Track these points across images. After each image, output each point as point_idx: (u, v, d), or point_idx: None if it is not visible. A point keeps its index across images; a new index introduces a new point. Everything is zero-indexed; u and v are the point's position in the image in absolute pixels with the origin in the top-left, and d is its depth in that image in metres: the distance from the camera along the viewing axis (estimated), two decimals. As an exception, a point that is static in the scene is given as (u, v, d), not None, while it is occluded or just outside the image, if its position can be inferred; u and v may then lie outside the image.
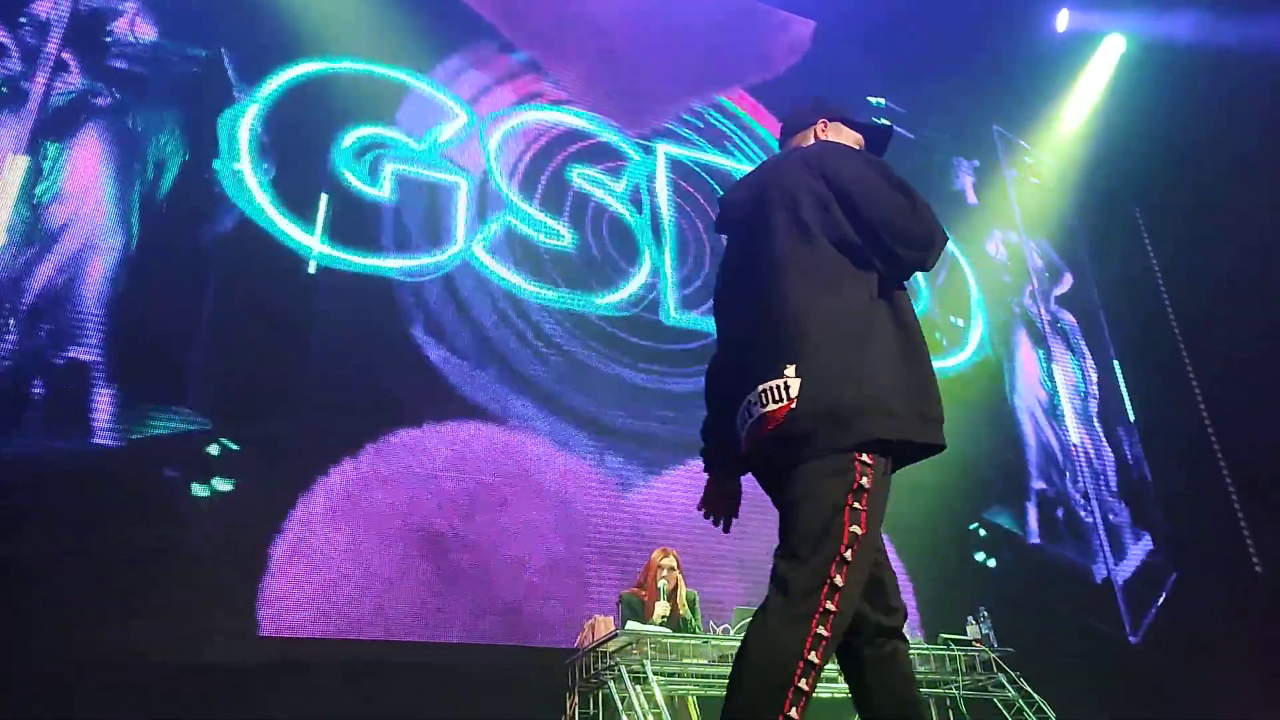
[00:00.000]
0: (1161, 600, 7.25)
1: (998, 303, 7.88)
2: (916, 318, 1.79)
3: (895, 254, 1.74)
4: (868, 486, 1.60)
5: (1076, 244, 8.76)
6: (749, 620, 4.05)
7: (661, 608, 4.34)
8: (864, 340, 1.67)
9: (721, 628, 4.27)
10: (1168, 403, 8.16)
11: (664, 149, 6.97)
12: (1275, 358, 7.26)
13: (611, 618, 4.37)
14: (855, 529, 1.58)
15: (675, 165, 6.97)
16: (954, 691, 4.54)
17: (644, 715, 3.61)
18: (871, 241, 1.74)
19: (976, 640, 4.60)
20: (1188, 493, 7.83)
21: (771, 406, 1.64)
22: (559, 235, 6.29)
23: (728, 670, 4.23)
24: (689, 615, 4.46)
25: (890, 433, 1.62)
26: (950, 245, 7.89)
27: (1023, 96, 8.84)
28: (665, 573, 4.47)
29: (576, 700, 4.18)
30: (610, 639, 4.01)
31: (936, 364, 1.98)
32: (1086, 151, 8.89)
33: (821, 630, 1.54)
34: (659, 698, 3.70)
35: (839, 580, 1.56)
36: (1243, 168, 7.54)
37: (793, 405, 1.61)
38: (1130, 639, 6.97)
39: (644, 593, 4.50)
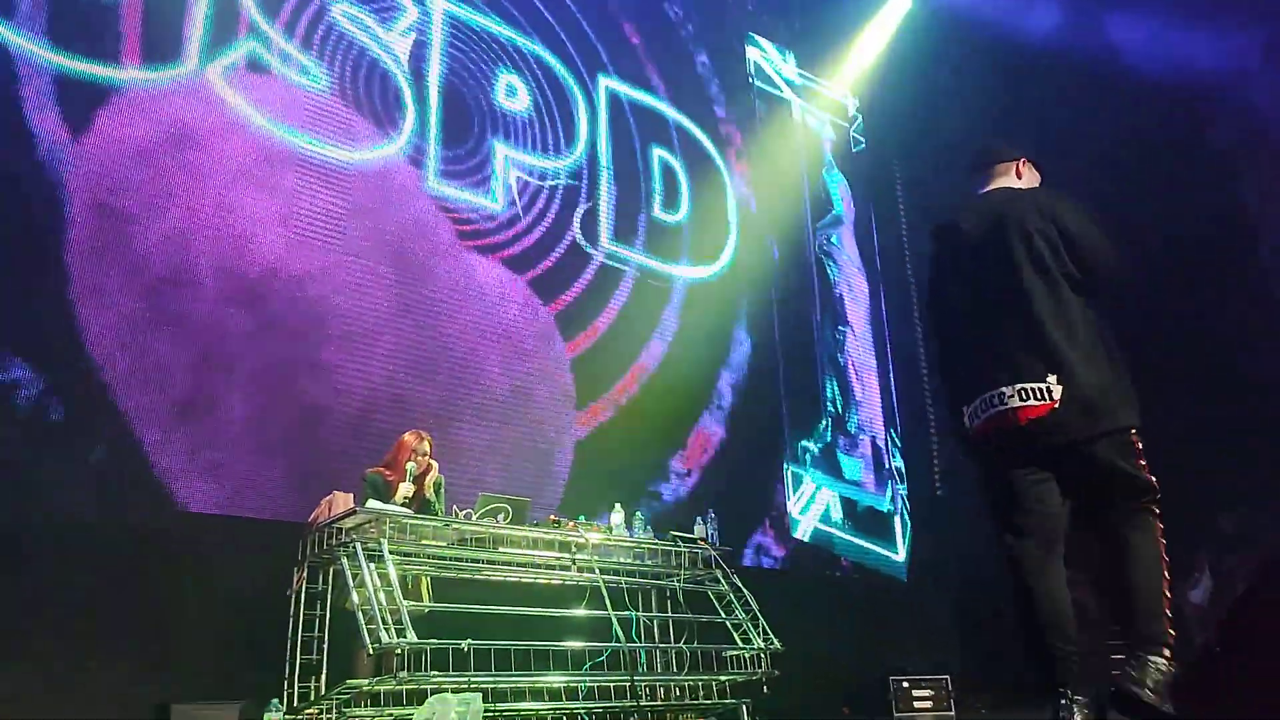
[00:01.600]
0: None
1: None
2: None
3: (1103, 285, 2.45)
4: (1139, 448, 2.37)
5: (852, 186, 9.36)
6: (493, 505, 4.04)
7: (405, 489, 4.30)
8: (1094, 352, 2.34)
9: (464, 512, 4.30)
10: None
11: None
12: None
13: (352, 495, 4.27)
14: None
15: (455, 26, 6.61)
16: (675, 583, 4.91)
17: (374, 592, 3.59)
18: (1089, 279, 2.43)
19: (701, 539, 4.97)
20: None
21: (1034, 402, 2.30)
22: (315, 76, 5.73)
23: (466, 553, 4.31)
24: (433, 498, 4.46)
25: (1129, 420, 2.35)
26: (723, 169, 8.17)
27: (821, 36, 9.25)
28: (417, 456, 4.43)
29: (305, 575, 4.08)
30: (348, 515, 3.92)
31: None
32: (861, 101, 9.51)
33: None
34: (393, 576, 3.69)
35: None
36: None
37: (1055, 405, 2.28)
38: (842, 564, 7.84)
39: (391, 474, 4.43)
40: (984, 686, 7.27)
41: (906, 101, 9.15)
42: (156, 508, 4.49)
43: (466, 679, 3.71)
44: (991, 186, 2.72)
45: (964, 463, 8.73)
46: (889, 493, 8.50)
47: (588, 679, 4.25)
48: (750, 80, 8.73)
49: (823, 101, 9.36)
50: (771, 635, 4.64)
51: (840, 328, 8.72)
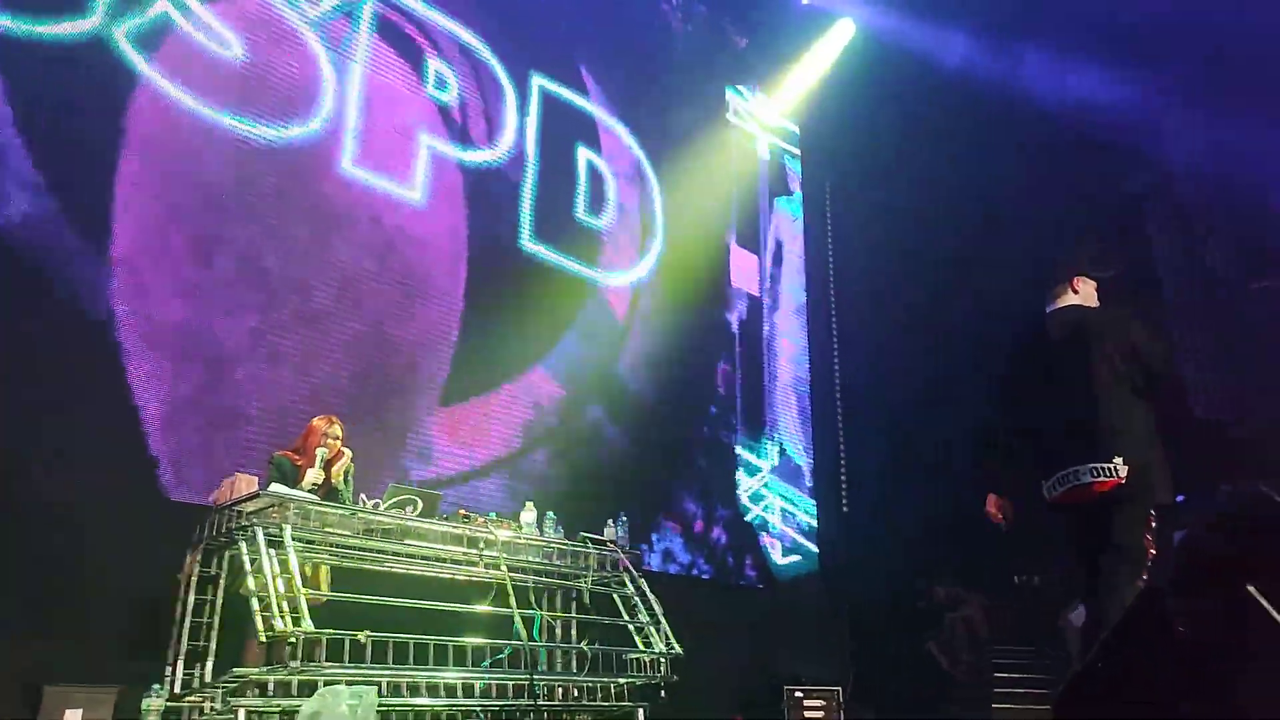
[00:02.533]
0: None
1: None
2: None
3: (1161, 389, 3.22)
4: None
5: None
6: (402, 496, 3.97)
7: (314, 474, 4.19)
8: (1150, 443, 3.11)
9: (372, 502, 4.22)
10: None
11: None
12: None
13: (256, 479, 4.14)
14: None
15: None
16: (582, 584, 4.90)
17: (272, 579, 3.48)
18: (1154, 386, 3.18)
19: (611, 541, 4.98)
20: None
21: (1103, 478, 3.01)
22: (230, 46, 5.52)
23: (371, 544, 4.22)
24: (341, 486, 4.36)
25: (1165, 498, 3.02)
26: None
27: (763, 59, 9.42)
28: (328, 441, 4.32)
29: (199, 557, 3.94)
30: (250, 498, 3.80)
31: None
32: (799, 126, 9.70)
33: None
34: (293, 563, 3.58)
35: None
36: (930, 185, 8.54)
37: (1122, 480, 3.02)
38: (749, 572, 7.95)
39: (300, 458, 4.31)
40: (872, 698, 7.48)
41: (846, 126, 9.36)
42: (42, 484, 4.26)
43: (362, 671, 3.63)
44: (1060, 305, 3.48)
45: (868, 481, 8.97)
46: (800, 505, 8.67)
47: (486, 676, 4.21)
48: (690, 95, 8.81)
49: (763, 121, 9.50)
50: (673, 639, 4.68)
51: (761, 341, 8.87)
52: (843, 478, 9.17)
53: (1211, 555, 1.50)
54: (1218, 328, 7.73)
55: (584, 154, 7.57)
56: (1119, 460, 3.01)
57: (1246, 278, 8.19)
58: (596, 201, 7.53)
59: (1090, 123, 7.65)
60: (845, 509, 9.09)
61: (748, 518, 8.11)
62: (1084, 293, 3.48)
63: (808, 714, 6.56)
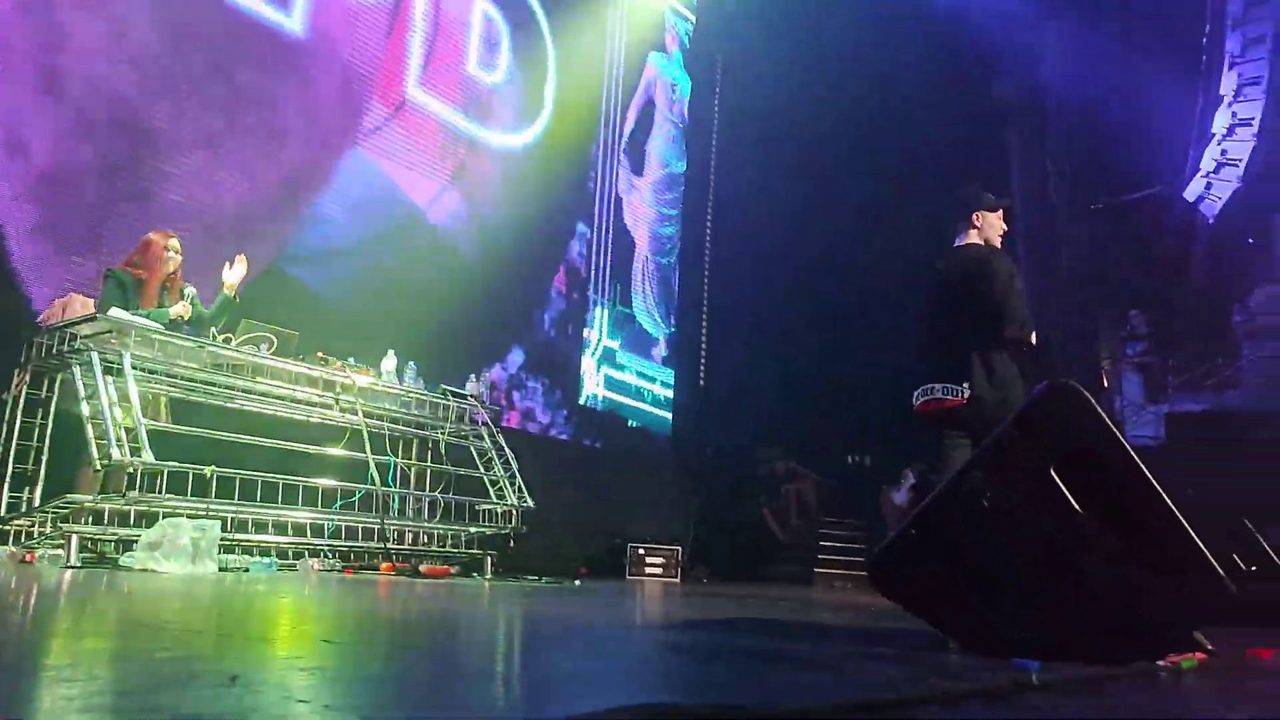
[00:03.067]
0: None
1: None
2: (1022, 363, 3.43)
3: (1009, 334, 3.38)
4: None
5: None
6: (256, 334, 3.85)
7: (181, 308, 3.93)
8: (1005, 385, 3.33)
9: (223, 337, 4.04)
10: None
11: None
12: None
13: (92, 301, 3.86)
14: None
15: None
16: (439, 435, 4.93)
17: (109, 406, 3.33)
18: (1004, 324, 3.39)
19: (472, 396, 5.00)
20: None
21: (951, 398, 3.34)
22: None
23: (220, 379, 4.07)
24: (189, 312, 4.06)
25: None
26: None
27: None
28: (169, 256, 3.97)
29: (27, 378, 3.70)
30: (86, 321, 3.57)
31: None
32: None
33: None
34: (133, 392, 3.43)
35: None
36: (819, 81, 8.51)
37: (964, 402, 3.31)
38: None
39: (141, 271, 3.96)
40: (709, 557, 7.99)
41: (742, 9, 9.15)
42: None
43: (205, 505, 3.57)
44: (963, 242, 3.65)
45: (726, 357, 9.27)
46: (657, 374, 8.91)
47: (336, 518, 4.23)
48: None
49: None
50: (526, 493, 4.81)
51: (621, 204, 8.84)
52: (703, 352, 9.46)
53: (1022, 444, 1.66)
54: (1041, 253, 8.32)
55: (480, 4, 7.13)
56: (967, 385, 3.36)
57: (1089, 199, 8.77)
58: (488, 56, 7.16)
59: (966, 28, 7.82)
60: (702, 383, 9.42)
61: (605, 384, 8.28)
62: (985, 226, 3.67)
63: (648, 569, 6.96)
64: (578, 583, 4.76)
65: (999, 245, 3.64)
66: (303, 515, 4.03)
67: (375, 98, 6.26)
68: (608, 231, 8.47)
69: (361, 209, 6.13)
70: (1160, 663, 1.34)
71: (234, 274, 4.12)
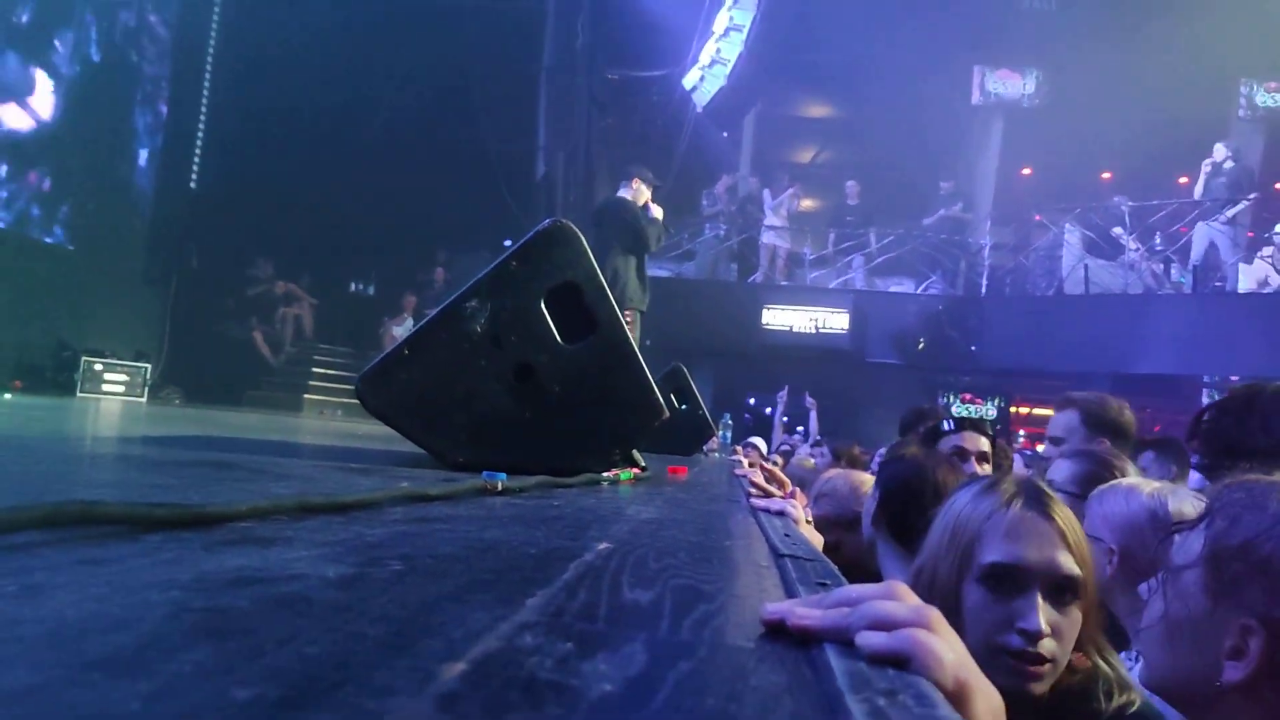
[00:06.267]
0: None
1: None
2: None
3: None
4: None
5: None
6: None
7: None
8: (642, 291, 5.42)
9: None
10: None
11: None
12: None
13: None
14: None
15: None
16: None
17: None
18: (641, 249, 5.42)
19: None
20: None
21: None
22: None
23: None
24: None
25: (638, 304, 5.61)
26: None
27: None
28: None
29: None
30: None
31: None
32: None
33: None
34: None
35: None
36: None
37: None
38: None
39: None
40: (184, 378, 7.30)
41: None
42: None
43: None
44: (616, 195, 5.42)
45: (225, 155, 8.30)
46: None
47: None
48: None
49: None
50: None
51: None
52: (198, 147, 8.32)
53: (519, 273, 1.75)
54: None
55: None
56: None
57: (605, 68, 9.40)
58: None
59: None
60: (194, 185, 8.34)
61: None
62: (636, 189, 5.30)
63: (106, 388, 6.11)
64: (8, 396, 4.01)
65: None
66: None
67: None
68: None
69: None
70: (605, 474, 1.54)
71: None
